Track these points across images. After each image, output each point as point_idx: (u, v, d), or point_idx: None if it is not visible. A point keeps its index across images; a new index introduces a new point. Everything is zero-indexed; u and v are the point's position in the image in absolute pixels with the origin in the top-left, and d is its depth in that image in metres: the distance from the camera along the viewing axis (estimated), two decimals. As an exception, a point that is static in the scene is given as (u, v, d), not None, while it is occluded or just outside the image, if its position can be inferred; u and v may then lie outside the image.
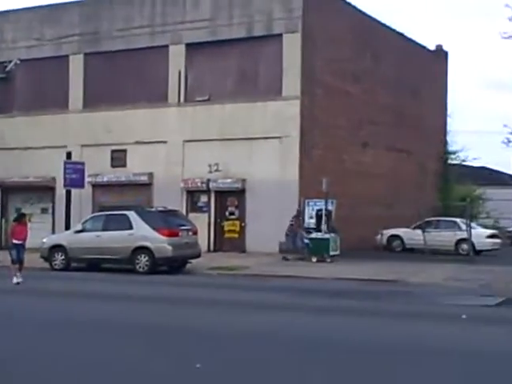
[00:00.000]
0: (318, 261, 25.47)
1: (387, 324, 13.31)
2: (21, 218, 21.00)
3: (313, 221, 27.45)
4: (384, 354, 10.37)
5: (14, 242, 20.43)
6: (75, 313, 14.62)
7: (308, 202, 27.66)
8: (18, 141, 32.63)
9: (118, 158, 31.40)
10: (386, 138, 34.30)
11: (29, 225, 21.64)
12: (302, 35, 28.64)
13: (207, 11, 30.17)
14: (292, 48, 28.69)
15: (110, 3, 32.37)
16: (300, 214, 27.04)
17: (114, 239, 23.26)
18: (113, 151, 31.52)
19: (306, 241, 26.17)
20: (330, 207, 27.13)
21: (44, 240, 25.01)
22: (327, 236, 26.10)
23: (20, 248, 20.34)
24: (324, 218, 26.62)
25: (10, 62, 30.96)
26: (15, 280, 19.75)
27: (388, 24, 35.42)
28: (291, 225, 26.68)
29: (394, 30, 36.07)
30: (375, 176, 32.83)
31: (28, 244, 20.79)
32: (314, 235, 26.40)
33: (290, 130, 28.53)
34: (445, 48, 42.43)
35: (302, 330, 12.45)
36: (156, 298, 17.31)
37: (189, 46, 30.56)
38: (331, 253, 25.85)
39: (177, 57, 30.71)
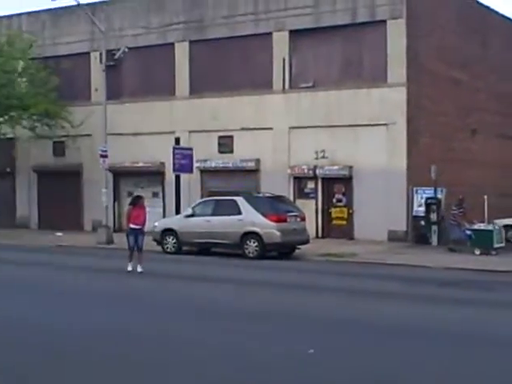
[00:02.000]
0: (481, 253, 23.90)
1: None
2: (137, 201, 19.61)
3: (422, 209, 27.25)
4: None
5: (131, 226, 19.18)
6: (196, 296, 15.06)
7: (416, 190, 27.47)
8: (128, 127, 33.25)
9: (225, 144, 31.70)
10: (495, 125, 33.60)
11: (147, 208, 20.26)
12: (406, 21, 28.15)
13: (310, -2, 30.07)
14: (396, 34, 28.28)
15: (215, -9, 32.63)
16: (463, 203, 25.78)
17: (224, 224, 23.56)
18: (220, 137, 31.83)
19: (469, 232, 24.57)
20: (439, 195, 26.85)
21: (156, 224, 25.44)
22: (490, 227, 24.55)
23: (138, 234, 19.09)
24: (433, 206, 26.44)
25: (119, 49, 31.50)
26: (129, 268, 18.82)
27: (495, 8, 34.65)
28: (453, 214, 25.52)
29: (502, 15, 35.21)
30: (485, 164, 32.22)
31: (143, 228, 20.07)
32: (476, 226, 24.76)
33: (397, 118, 28.20)
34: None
35: (411, 319, 12.44)
36: (268, 283, 17.55)
37: (292, 32, 30.48)
38: (495, 245, 24.24)
39: (280, 44, 30.69)
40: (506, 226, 30.16)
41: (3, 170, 37.74)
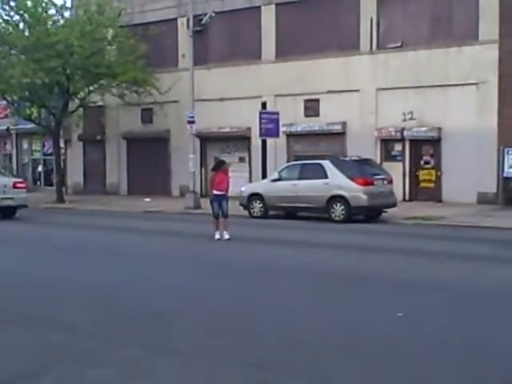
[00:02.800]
0: None
1: None
2: (220, 166, 18.98)
3: (512, 170, 26.59)
4: None
5: (215, 193, 18.65)
6: (281, 260, 15.08)
7: (507, 151, 26.69)
8: (214, 92, 33.44)
9: (311, 108, 31.47)
10: None
11: (230, 174, 19.50)
12: (499, -27, 27.22)
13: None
14: (488, -13, 27.37)
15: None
16: None
17: (310, 188, 23.46)
18: (306, 101, 31.60)
19: None
20: (530, 156, 26.09)
21: (242, 188, 25.59)
22: None
23: (222, 200, 18.61)
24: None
25: (206, 14, 31.56)
26: (217, 236, 18.35)
27: None
28: None
29: None
30: None
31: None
32: None
33: (488, 76, 27.40)
34: None
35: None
36: (355, 246, 17.37)
37: (380, -9, 29.96)
38: None
39: (368, 3, 30.10)
40: None
41: (93, 138, 38.69)
